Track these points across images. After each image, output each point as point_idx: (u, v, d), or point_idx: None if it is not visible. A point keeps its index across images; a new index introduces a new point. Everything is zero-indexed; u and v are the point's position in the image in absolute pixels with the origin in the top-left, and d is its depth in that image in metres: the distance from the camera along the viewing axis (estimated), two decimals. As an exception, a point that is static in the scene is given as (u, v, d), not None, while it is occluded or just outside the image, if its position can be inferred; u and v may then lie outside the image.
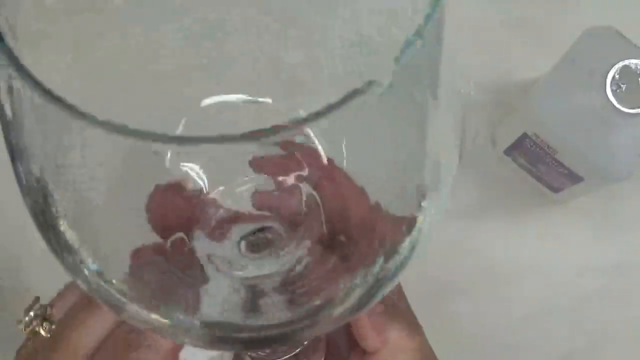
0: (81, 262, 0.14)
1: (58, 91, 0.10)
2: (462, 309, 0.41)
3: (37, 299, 0.21)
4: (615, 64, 0.31)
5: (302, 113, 0.16)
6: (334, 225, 0.17)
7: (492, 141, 0.43)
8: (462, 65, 0.48)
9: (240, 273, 0.18)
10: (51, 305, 0.21)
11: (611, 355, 0.41)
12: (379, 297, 0.16)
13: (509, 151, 0.40)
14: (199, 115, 0.20)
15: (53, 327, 0.20)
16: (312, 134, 0.13)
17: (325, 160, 0.16)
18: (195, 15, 0.17)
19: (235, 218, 0.18)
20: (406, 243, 0.15)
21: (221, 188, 0.17)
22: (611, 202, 0.42)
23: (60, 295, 0.22)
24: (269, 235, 0.18)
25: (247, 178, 0.17)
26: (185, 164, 0.16)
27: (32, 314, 0.19)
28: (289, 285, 0.17)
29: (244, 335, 0.16)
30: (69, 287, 0.22)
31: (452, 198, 0.48)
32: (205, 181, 0.17)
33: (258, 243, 0.18)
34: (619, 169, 0.34)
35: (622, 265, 0.41)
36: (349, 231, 0.17)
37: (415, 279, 0.41)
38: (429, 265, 0.42)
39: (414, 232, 0.15)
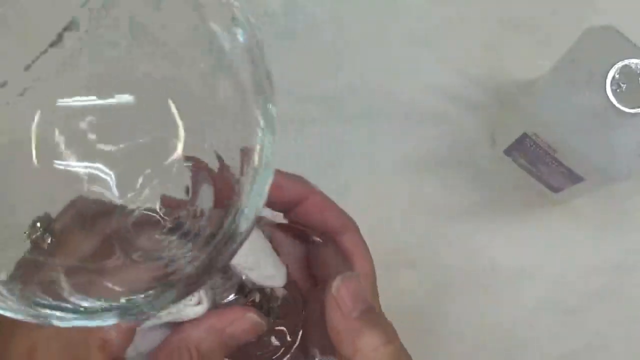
0: None
1: None
2: (462, 309, 0.41)
3: (47, 214, 0.21)
4: (615, 64, 0.31)
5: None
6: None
7: (492, 141, 0.43)
8: (463, 65, 0.48)
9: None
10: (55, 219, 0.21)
11: (611, 355, 0.41)
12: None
13: (509, 151, 0.40)
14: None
15: (51, 240, 0.20)
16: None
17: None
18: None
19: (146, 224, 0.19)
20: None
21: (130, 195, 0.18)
22: (611, 202, 0.42)
23: (63, 211, 0.22)
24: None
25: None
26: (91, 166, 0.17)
27: (38, 224, 0.19)
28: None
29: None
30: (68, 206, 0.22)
31: (452, 198, 0.48)
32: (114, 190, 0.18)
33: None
34: (619, 169, 0.34)
35: (622, 265, 0.42)
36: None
37: (415, 279, 0.41)
38: (429, 265, 0.42)
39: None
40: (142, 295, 0.18)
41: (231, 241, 0.18)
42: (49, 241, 0.18)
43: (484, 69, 0.44)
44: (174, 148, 0.17)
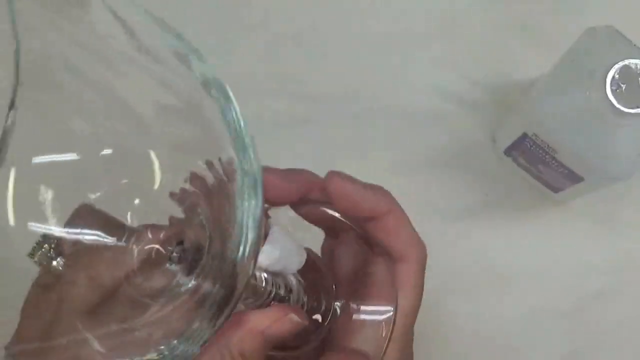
0: None
1: None
2: (462, 309, 0.41)
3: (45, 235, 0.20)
4: (615, 64, 0.31)
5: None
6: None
7: (492, 141, 0.43)
8: (463, 65, 0.48)
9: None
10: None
11: (611, 355, 0.41)
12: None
13: (509, 151, 0.40)
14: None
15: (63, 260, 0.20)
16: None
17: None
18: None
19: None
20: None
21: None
22: (611, 202, 0.42)
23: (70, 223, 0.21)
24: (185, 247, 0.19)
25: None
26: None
27: (45, 246, 0.19)
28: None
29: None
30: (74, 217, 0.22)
31: (452, 198, 0.48)
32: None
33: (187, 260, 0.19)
34: (619, 169, 0.34)
35: (622, 265, 0.41)
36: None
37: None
38: (429, 266, 0.42)
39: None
40: (184, 335, 0.17)
41: (247, 248, 0.17)
42: (59, 262, 0.17)
43: (484, 69, 0.44)
44: (154, 182, 0.17)
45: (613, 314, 0.41)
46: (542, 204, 0.42)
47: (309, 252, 0.25)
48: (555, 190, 0.40)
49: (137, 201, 0.17)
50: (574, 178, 0.37)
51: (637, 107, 0.31)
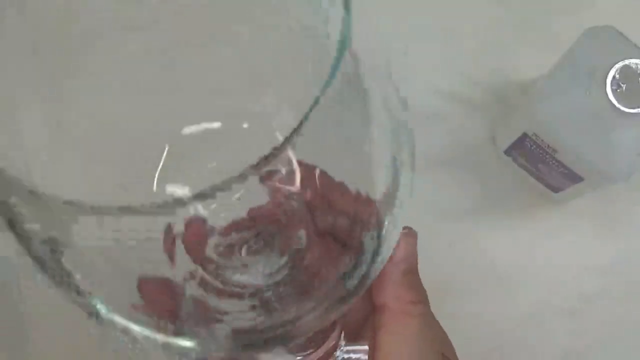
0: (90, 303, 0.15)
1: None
2: (462, 309, 0.41)
3: None
4: (615, 64, 0.31)
5: (279, 135, 0.16)
6: (323, 214, 0.18)
7: (492, 141, 0.43)
8: (463, 65, 0.48)
9: (246, 277, 0.18)
10: None
11: (611, 355, 0.41)
12: (372, 276, 0.17)
13: (509, 151, 0.40)
14: (181, 144, 0.20)
15: None
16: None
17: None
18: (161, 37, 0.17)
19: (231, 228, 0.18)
20: (386, 221, 0.17)
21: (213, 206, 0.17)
22: (611, 202, 0.42)
23: None
24: (265, 238, 0.19)
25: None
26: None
27: None
28: (294, 277, 0.18)
29: (266, 335, 0.17)
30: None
31: (452, 198, 0.48)
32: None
33: (257, 248, 0.18)
34: (619, 169, 0.34)
35: (622, 265, 0.41)
36: (337, 218, 0.18)
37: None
38: (429, 266, 0.42)
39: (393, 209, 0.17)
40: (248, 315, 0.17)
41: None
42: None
43: (484, 69, 0.44)
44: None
45: (613, 314, 0.41)
46: (542, 204, 0.42)
47: None
48: (555, 190, 0.40)
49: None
50: (574, 178, 0.37)
51: (637, 107, 0.31)
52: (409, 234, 0.25)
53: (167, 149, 0.20)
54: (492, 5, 0.45)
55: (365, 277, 0.17)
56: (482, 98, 0.43)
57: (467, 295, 0.41)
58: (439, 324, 0.28)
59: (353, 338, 0.25)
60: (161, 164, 0.19)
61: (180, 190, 0.18)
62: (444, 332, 0.28)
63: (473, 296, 0.41)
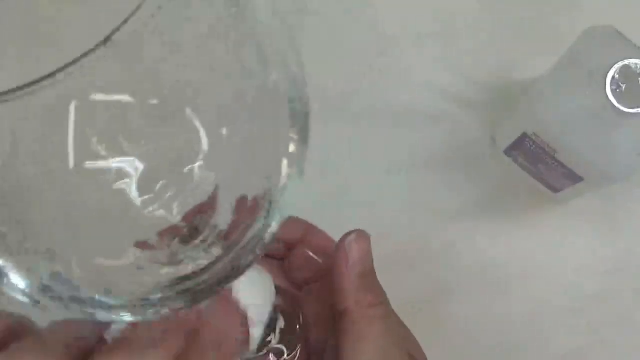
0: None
1: None
2: (462, 309, 0.41)
3: None
4: (615, 64, 0.31)
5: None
6: None
7: (492, 141, 0.43)
8: (463, 65, 0.48)
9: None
10: None
11: (611, 355, 0.41)
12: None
13: (509, 151, 0.40)
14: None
15: None
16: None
17: None
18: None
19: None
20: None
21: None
22: (611, 202, 0.42)
23: None
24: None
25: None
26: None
27: None
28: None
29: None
30: None
31: (452, 198, 0.48)
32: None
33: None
34: (619, 169, 0.34)
35: (622, 265, 0.41)
36: None
37: (415, 279, 0.41)
38: (429, 266, 0.42)
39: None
40: (159, 296, 0.18)
41: (251, 251, 0.18)
42: None
43: (483, 69, 0.44)
44: (195, 157, 0.17)
45: (613, 314, 0.41)
46: (542, 204, 0.42)
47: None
48: (555, 190, 0.40)
49: (170, 174, 0.17)
50: (574, 178, 0.37)
51: (637, 107, 0.31)
52: (361, 236, 0.25)
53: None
54: (492, 5, 0.45)
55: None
56: (482, 98, 0.43)
57: (467, 295, 0.41)
58: (402, 323, 0.28)
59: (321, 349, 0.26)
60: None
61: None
62: (408, 331, 0.28)
63: (473, 296, 0.41)
